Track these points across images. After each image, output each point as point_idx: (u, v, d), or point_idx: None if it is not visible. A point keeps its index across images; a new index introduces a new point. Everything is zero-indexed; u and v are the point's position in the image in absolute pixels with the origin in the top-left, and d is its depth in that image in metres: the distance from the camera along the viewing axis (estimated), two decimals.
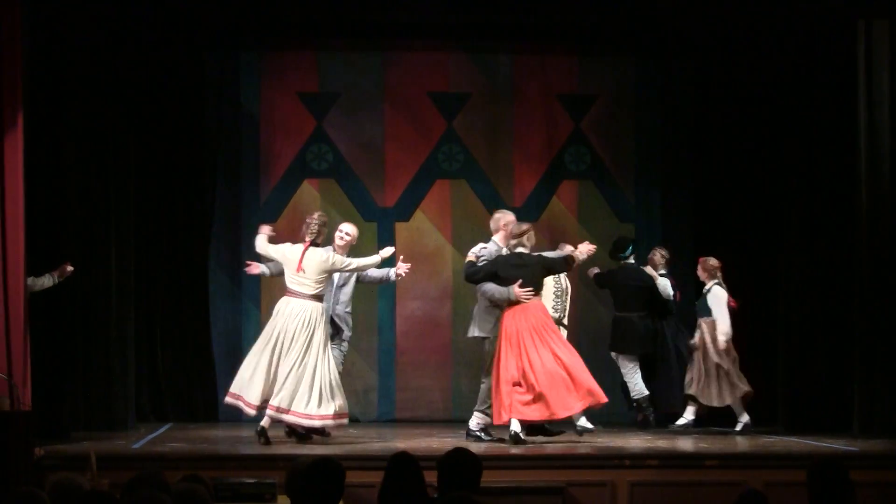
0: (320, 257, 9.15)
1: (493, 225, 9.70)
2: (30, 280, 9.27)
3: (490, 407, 9.27)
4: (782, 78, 11.00)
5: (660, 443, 9.52)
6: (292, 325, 9.04)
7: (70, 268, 9.54)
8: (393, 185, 12.01)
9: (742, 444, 9.56)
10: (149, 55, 11.26)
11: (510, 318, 9.19)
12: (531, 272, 9.25)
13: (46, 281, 9.44)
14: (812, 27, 10.63)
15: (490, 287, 9.28)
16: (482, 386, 9.47)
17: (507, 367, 9.07)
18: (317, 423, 9.12)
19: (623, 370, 10.93)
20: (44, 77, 9.78)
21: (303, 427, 9.20)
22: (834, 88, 10.65)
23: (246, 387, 9.12)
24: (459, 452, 5.52)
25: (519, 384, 9.04)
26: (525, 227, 9.43)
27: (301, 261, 9.11)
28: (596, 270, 10.98)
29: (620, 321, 10.92)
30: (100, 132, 10.43)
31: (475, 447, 7.73)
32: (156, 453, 8.76)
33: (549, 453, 8.90)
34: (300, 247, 9.21)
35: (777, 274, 11.08)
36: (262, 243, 9.43)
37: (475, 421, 9.48)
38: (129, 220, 10.74)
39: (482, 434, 9.44)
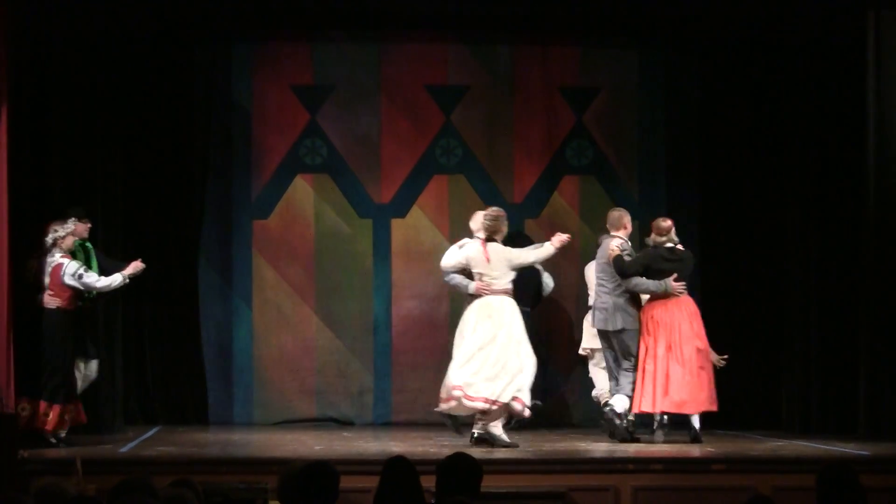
0: (503, 251, 9.39)
1: (615, 222, 9.93)
2: (101, 282, 9.25)
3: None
4: (790, 69, 10.99)
5: (664, 446, 9.53)
6: (483, 319, 9.28)
7: (142, 264, 9.49)
8: (389, 180, 11.98)
9: (750, 447, 9.55)
10: (136, 47, 11.22)
11: (662, 309, 9.61)
12: (685, 267, 9.75)
13: (117, 280, 9.38)
14: (820, 18, 10.61)
15: (642, 280, 9.62)
16: (626, 374, 9.64)
17: (655, 357, 9.53)
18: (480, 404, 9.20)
19: None
20: (28, 72, 9.74)
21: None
22: (843, 80, 10.64)
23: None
24: (459, 457, 5.52)
25: (657, 376, 9.51)
26: (670, 222, 9.87)
27: (487, 255, 9.33)
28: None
29: None
30: (86, 127, 10.38)
31: (475, 451, 7.70)
32: (144, 457, 8.74)
33: (551, 457, 8.90)
34: (476, 243, 9.45)
35: (784, 272, 11.06)
36: (448, 261, 9.57)
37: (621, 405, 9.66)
38: (117, 217, 10.74)
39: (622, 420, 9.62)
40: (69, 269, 9.16)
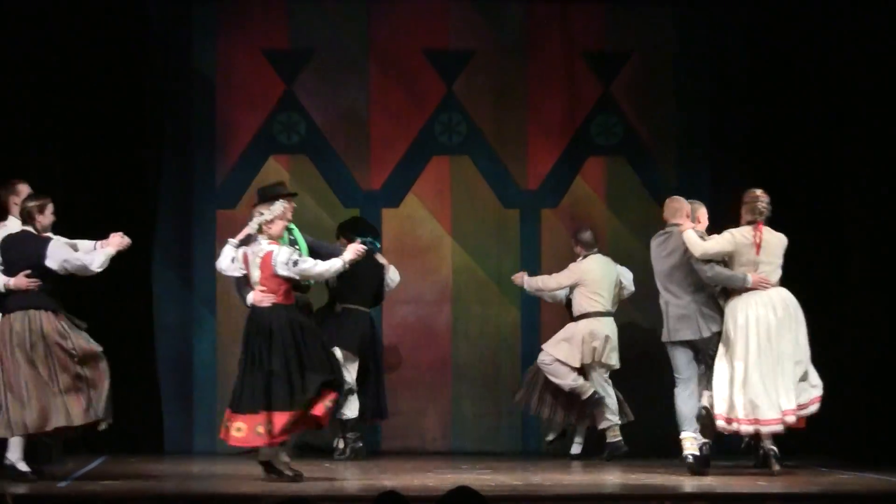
0: (779, 236, 9.64)
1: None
2: (319, 267, 9.08)
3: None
4: (853, 29, 10.94)
5: (707, 480, 9.44)
6: (772, 316, 9.45)
7: (363, 246, 9.26)
8: (380, 163, 12.00)
9: (810, 480, 9.47)
10: (82, 5, 11.16)
11: None
12: None
13: (336, 265, 9.11)
14: None
15: None
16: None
17: None
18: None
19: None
20: None
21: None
22: None
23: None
24: (462, 492, 5.44)
25: None
26: None
27: (759, 244, 9.51)
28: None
29: (348, 314, 11.06)
30: (19, 97, 10.35)
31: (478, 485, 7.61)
32: (87, 493, 8.63)
33: (570, 492, 8.84)
34: (747, 230, 9.56)
35: (845, 267, 10.99)
36: (705, 245, 9.54)
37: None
38: (55, 205, 10.52)
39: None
40: (280, 257, 9.00)
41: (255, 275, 9.08)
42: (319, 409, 8.87)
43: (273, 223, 9.12)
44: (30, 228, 8.97)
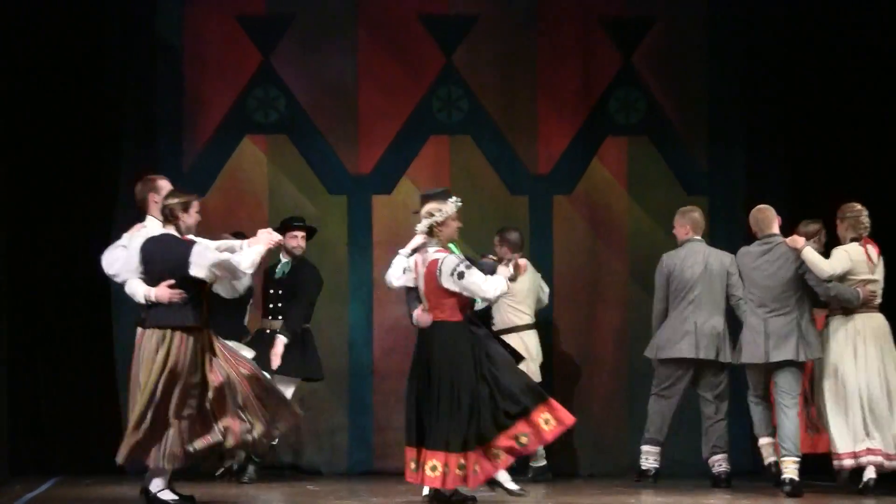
0: (879, 254, 10.06)
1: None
2: (490, 283, 8.79)
3: None
4: None
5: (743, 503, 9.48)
6: (869, 340, 9.95)
7: (525, 261, 9.15)
8: (370, 143, 12.03)
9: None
10: None
11: None
12: None
13: (503, 279, 8.88)
14: None
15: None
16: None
17: None
18: None
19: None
20: None
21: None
22: None
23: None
24: None
25: None
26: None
27: (870, 259, 9.96)
28: None
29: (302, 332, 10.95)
30: None
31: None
32: None
33: None
34: (856, 247, 9.89)
35: None
36: (833, 265, 9.82)
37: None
38: (1, 198, 10.68)
39: None
40: (445, 267, 8.77)
41: (420, 286, 8.88)
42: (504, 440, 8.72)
43: (446, 224, 8.87)
44: (172, 230, 8.70)
